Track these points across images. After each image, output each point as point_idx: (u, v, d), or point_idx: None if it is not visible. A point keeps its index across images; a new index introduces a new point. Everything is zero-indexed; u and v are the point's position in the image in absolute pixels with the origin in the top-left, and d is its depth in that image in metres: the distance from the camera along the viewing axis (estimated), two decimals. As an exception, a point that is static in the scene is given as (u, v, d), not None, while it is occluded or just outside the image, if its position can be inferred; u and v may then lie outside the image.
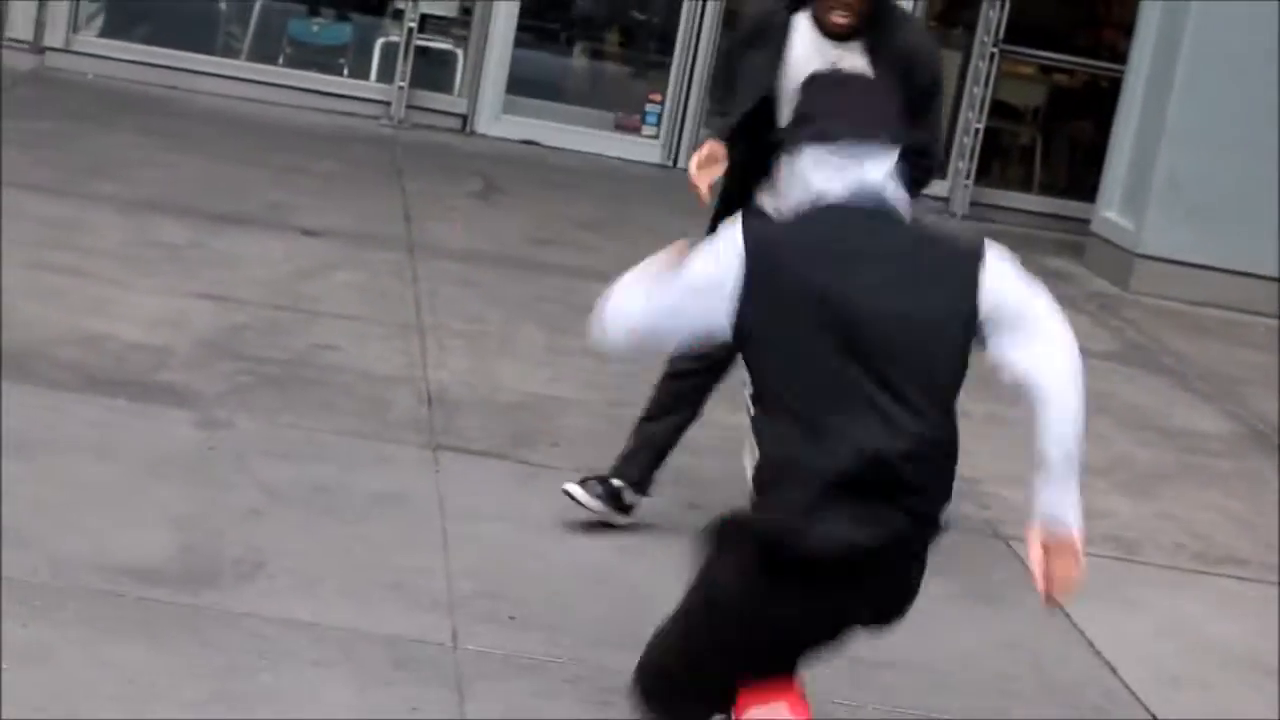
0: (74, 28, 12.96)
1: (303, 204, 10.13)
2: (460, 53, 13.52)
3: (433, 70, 13.38)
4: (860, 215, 3.92)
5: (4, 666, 4.48)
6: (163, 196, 9.68)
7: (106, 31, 13.33)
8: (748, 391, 4.19)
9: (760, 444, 3.93)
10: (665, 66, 13.49)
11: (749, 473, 4.16)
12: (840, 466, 3.77)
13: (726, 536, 3.92)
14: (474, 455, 6.57)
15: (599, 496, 5.95)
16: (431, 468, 6.39)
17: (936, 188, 13.78)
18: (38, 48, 12.75)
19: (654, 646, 3.99)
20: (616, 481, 5.98)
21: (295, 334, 7.71)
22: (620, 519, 5.97)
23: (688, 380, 5.97)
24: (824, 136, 3.93)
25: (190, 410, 6.54)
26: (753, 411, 4.06)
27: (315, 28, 13.71)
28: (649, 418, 6.06)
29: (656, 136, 13.43)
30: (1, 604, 4.78)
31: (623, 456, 6.02)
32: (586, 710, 4.79)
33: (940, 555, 6.40)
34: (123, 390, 6.62)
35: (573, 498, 5.91)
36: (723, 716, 4.02)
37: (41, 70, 12.62)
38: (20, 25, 12.76)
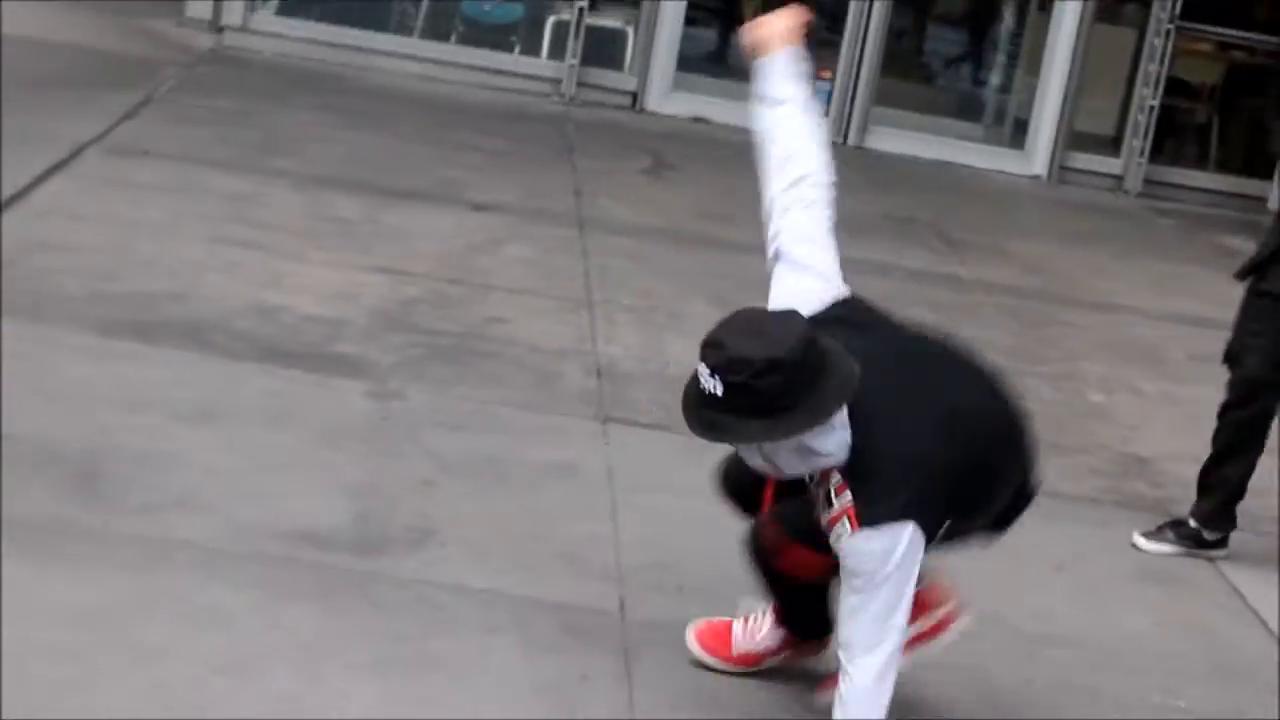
0: (251, 7, 13.15)
1: (474, 180, 10.21)
2: (630, 30, 13.56)
3: (603, 48, 13.43)
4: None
5: (182, 627, 4.58)
6: (337, 172, 9.80)
7: (283, 10, 13.51)
8: None
9: None
10: (835, 44, 13.44)
11: None
12: None
13: None
14: (643, 428, 6.60)
15: (1170, 541, 6.21)
16: (601, 440, 6.43)
17: (1110, 166, 13.67)
18: (216, 26, 12.96)
19: None
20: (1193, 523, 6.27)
21: (466, 307, 7.78)
22: (1213, 554, 6.25)
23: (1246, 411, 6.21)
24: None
25: (364, 381, 6.63)
26: None
27: (488, 6, 13.80)
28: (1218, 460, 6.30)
29: (826, 114, 13.40)
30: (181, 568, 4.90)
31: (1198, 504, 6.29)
32: (752, 680, 4.81)
33: (1112, 532, 6.41)
34: (298, 361, 6.72)
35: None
36: None
37: (220, 49, 12.81)
38: (199, 5, 13.00)
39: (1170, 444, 7.53)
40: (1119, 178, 13.64)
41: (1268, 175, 12.60)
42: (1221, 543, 6.29)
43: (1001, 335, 8.54)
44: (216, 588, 4.84)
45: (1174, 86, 13.85)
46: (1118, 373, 8.50)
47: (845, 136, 13.18)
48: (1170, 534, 6.24)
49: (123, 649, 4.43)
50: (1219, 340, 9.40)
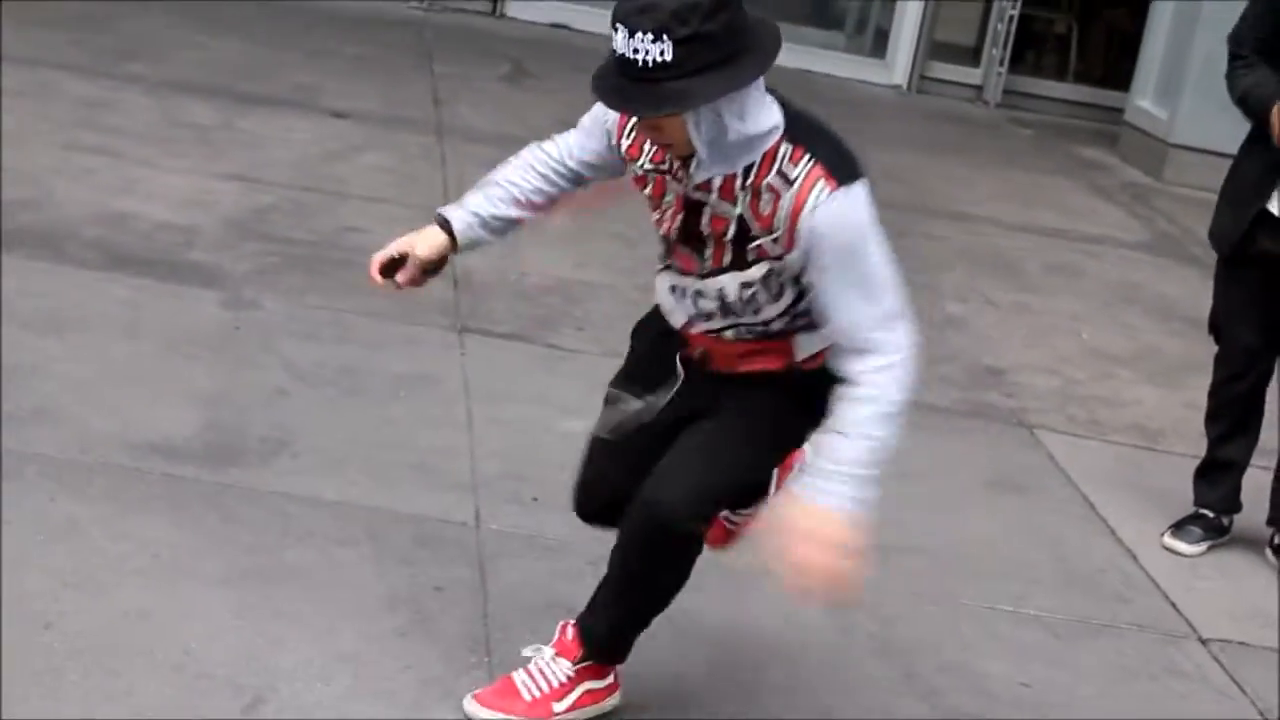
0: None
1: (331, 86, 10.11)
2: (490, -65, 13.44)
3: (463, -48, 13.31)
4: None
5: (33, 540, 4.53)
6: (192, 77, 9.67)
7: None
8: None
9: None
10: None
11: None
12: None
13: None
14: (500, 338, 6.59)
15: (1198, 538, 5.96)
16: (457, 350, 6.41)
17: (969, 76, 13.74)
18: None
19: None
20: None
21: (322, 215, 7.71)
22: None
23: None
24: None
25: (217, 290, 6.56)
26: None
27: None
28: None
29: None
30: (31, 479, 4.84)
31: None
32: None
33: (964, 442, 6.48)
34: (150, 269, 6.64)
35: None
36: None
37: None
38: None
39: (1025, 355, 7.61)
40: (979, 88, 13.72)
41: (1125, 87, 12.70)
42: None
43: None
44: (67, 500, 4.79)
45: (1033, -4, 13.96)
46: (974, 283, 8.57)
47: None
48: (1196, 529, 5.97)
49: (-29, 562, 4.38)
50: (1074, 251, 9.56)
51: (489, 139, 9.49)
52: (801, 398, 3.89)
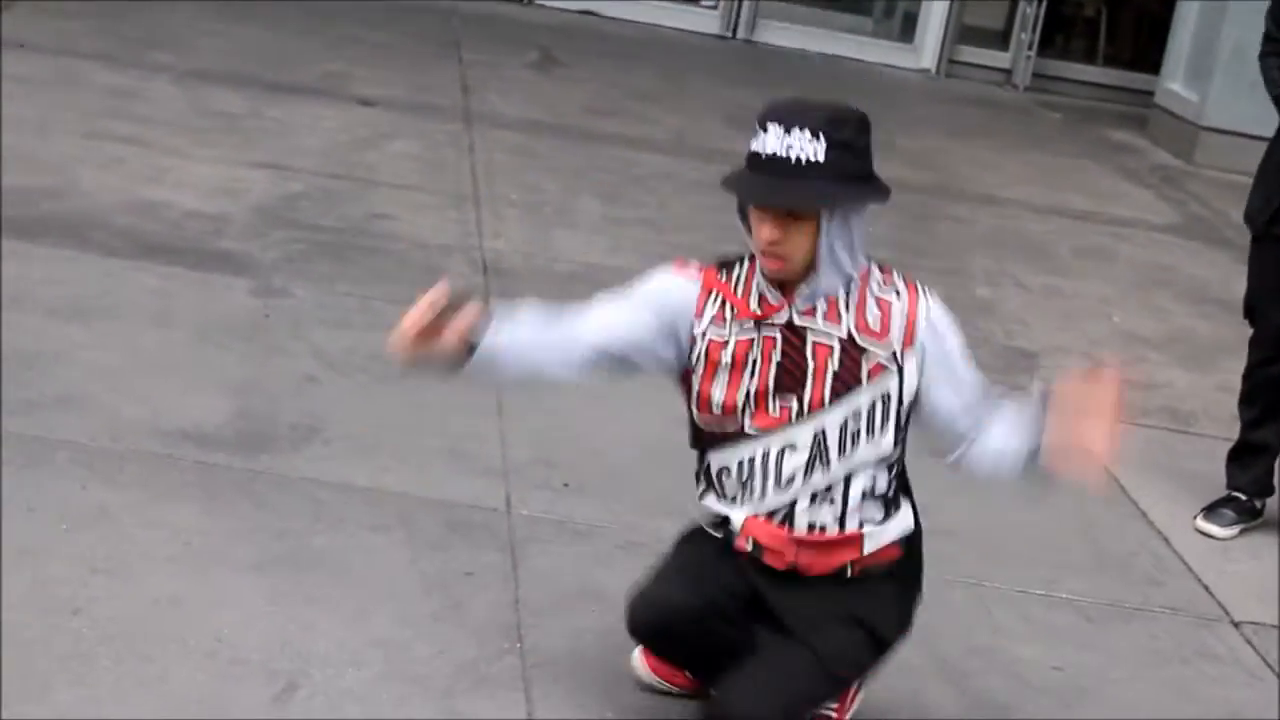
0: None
1: (359, 73, 10.12)
2: (518, -78, 13.44)
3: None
4: None
5: (63, 527, 4.54)
6: (219, 66, 9.68)
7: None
8: None
9: None
10: (726, -63, 13.38)
11: None
12: None
13: None
14: (529, 325, 6.58)
15: (1230, 521, 5.92)
16: (487, 336, 6.40)
17: (999, 60, 13.70)
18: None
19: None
20: None
21: (351, 203, 7.72)
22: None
23: None
24: None
25: (247, 278, 6.57)
26: None
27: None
28: None
29: (715, 7, 13.34)
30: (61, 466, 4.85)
31: None
32: (638, 576, 4.81)
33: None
34: (180, 258, 6.65)
35: None
36: None
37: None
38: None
39: (1055, 338, 7.59)
40: (1007, 71, 13.68)
41: (1154, 70, 12.65)
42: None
43: (888, 229, 8.55)
44: (98, 487, 4.79)
45: (1063, -21, 13.91)
46: (1004, 267, 8.55)
47: (734, 30, 13.14)
48: (1229, 512, 5.91)
49: (3, 549, 4.37)
50: (1104, 235, 9.53)
51: (517, 126, 9.50)
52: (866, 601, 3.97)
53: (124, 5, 10.72)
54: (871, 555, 3.95)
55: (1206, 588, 5.46)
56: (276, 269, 6.71)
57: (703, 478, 4.01)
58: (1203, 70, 11.70)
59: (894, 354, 3.82)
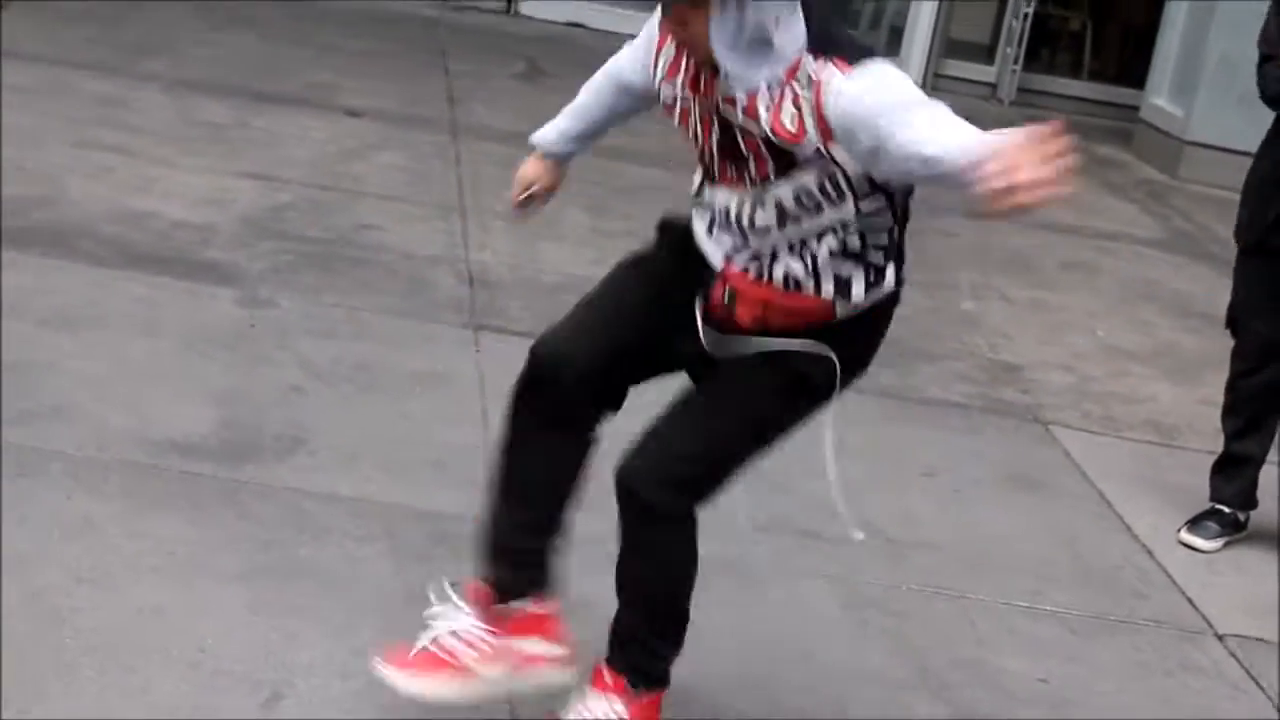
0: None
1: (346, 84, 10.12)
2: (505, -67, 13.46)
3: (478, -49, 13.32)
4: None
5: (49, 537, 4.54)
6: (208, 75, 9.68)
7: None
8: None
9: None
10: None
11: None
12: None
13: None
14: (515, 335, 6.57)
15: (1215, 534, 5.91)
16: (472, 347, 6.41)
17: (983, 74, 13.73)
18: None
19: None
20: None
21: (338, 214, 7.72)
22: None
23: None
24: None
25: (233, 288, 6.57)
26: None
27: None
28: None
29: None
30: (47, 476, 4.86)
31: None
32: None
33: (980, 438, 6.48)
34: (167, 268, 6.65)
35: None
36: None
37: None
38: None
39: (1040, 352, 7.61)
40: (993, 86, 13.71)
41: (1140, 84, 12.68)
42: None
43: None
44: (83, 497, 4.79)
45: (1048, -6, 13.95)
46: (988, 280, 8.57)
47: (721, 43, 13.15)
48: (1213, 525, 5.92)
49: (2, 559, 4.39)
50: (1088, 248, 9.55)
51: (504, 138, 9.49)
52: (817, 368, 3.79)
53: (114, 13, 10.71)
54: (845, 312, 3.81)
55: (1191, 601, 5.48)
56: (263, 279, 6.71)
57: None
58: (1187, 85, 11.73)
59: (818, 150, 3.59)
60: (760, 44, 3.57)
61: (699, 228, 3.90)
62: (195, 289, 6.51)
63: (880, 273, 3.85)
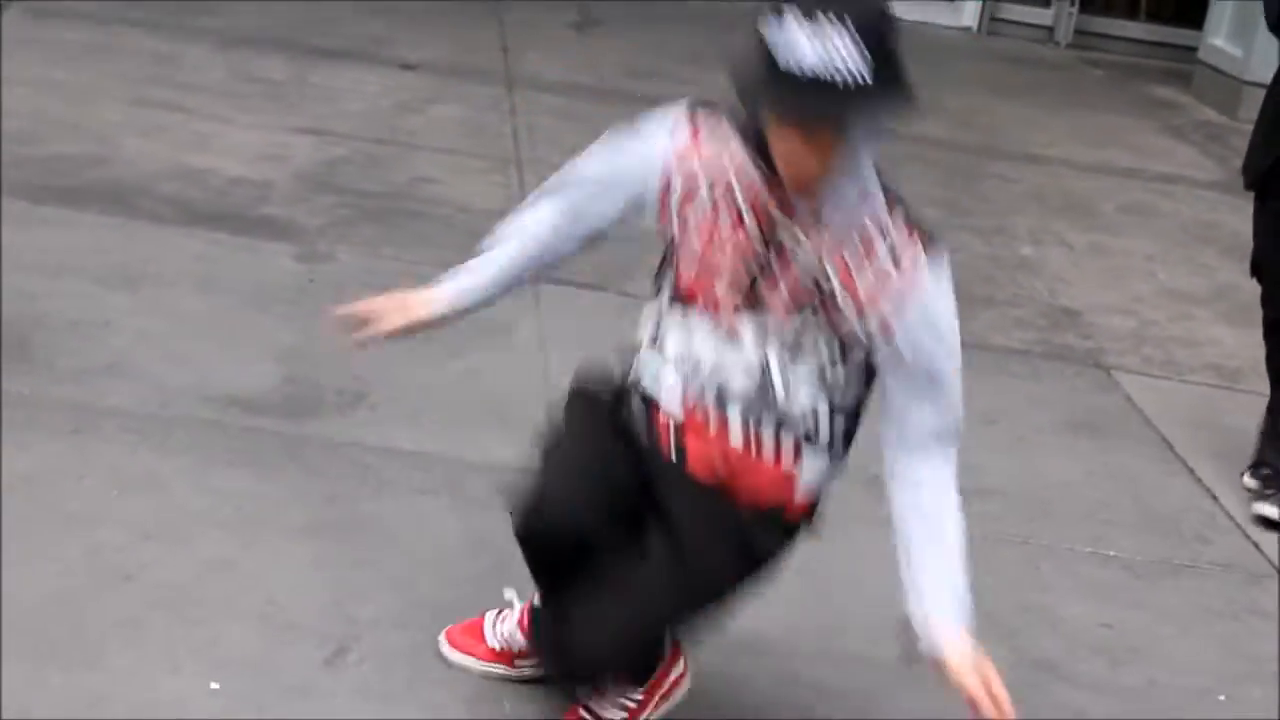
0: None
1: (400, 37, 10.12)
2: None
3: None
4: None
5: (114, 493, 4.56)
6: (261, 31, 9.69)
7: None
8: None
9: None
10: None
11: None
12: None
13: None
14: (574, 287, 6.57)
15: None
16: (532, 300, 6.40)
17: (1040, 16, 13.64)
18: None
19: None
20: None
21: (394, 167, 7.72)
22: None
23: None
24: None
25: (291, 243, 6.58)
26: None
27: None
28: None
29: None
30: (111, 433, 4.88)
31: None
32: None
33: (1041, 384, 6.45)
34: (224, 224, 6.67)
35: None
36: None
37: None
38: None
39: (1099, 296, 7.56)
40: (1049, 29, 13.61)
41: (1197, 24, 12.57)
42: None
43: (932, 188, 8.54)
44: (146, 453, 4.82)
45: (1104, -65, 13.82)
46: (1047, 225, 8.52)
47: (774, -10, 13.08)
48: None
49: (55, 516, 4.40)
50: (1148, 191, 9.49)
51: (558, 88, 9.49)
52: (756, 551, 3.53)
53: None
54: (799, 505, 3.55)
55: (1255, 544, 5.45)
56: (321, 234, 6.72)
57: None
58: (1247, 25, 11.61)
59: (868, 334, 3.29)
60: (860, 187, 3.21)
61: (676, 338, 3.59)
62: (253, 245, 6.52)
63: (839, 456, 3.61)
